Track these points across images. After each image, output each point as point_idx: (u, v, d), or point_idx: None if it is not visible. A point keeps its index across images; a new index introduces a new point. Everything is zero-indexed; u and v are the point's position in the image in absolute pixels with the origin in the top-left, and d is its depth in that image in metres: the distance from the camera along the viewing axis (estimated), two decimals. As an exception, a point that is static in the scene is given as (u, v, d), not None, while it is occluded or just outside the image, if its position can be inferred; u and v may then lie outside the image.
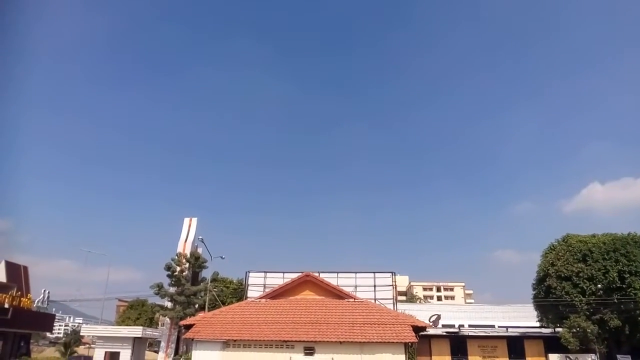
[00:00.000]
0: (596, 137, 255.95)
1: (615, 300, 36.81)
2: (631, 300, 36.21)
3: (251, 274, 41.43)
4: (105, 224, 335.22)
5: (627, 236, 39.76)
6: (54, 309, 68.25)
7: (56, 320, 59.22)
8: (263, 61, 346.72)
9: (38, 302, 49.66)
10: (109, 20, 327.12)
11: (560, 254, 40.18)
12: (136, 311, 68.52)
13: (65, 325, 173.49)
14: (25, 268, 41.20)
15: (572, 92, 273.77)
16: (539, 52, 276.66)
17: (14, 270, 39.33)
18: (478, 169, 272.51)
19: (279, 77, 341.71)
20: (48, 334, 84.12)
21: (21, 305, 35.96)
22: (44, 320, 42.53)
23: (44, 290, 53.56)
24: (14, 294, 35.31)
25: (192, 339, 22.18)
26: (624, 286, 36.98)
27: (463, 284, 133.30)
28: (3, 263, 38.73)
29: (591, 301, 37.46)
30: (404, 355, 20.60)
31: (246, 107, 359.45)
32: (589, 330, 36.78)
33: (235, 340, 21.57)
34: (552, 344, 41.27)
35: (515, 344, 44.00)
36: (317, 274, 29.00)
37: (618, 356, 37.58)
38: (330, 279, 32.37)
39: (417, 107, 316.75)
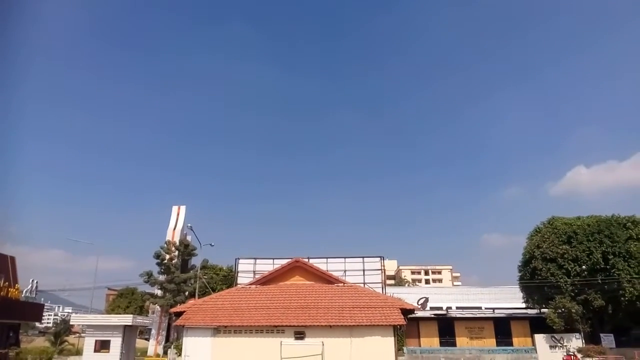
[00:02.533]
0: (583, 122, 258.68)
1: (599, 281, 37.59)
2: (614, 280, 37.00)
3: (241, 261, 41.59)
4: (93, 213, 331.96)
5: (611, 218, 40.46)
6: (42, 299, 68.03)
7: (45, 310, 59.01)
8: (252, 47, 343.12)
9: (26, 292, 49.44)
10: (96, 6, 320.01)
11: (545, 236, 40.78)
12: (126, 300, 68.45)
13: (55, 315, 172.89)
14: (12, 258, 40.77)
15: (559, 79, 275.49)
16: (527, 38, 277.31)
17: (1, 260, 38.95)
18: (466, 154, 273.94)
19: (268, 63, 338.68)
20: (37, 324, 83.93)
21: (9, 295, 35.69)
22: (33, 310, 42.29)
23: (32, 280, 53.38)
24: (1, 285, 35.02)
25: (183, 326, 22.24)
26: (607, 267, 37.74)
27: (450, 267, 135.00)
28: (-11, 254, 38.32)
29: (576, 282, 38.21)
30: (392, 338, 20.89)
31: (235, 93, 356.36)
32: (574, 311, 37.61)
33: (226, 326, 21.69)
34: (537, 324, 42.12)
35: (502, 325, 44.82)
36: (306, 260, 29.16)
37: (601, 335, 38.50)
38: (320, 264, 32.63)
39: (407, 94, 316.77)
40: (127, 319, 22.35)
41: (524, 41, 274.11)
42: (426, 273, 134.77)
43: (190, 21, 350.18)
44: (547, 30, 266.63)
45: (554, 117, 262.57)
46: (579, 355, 36.47)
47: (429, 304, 52.86)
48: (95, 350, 21.31)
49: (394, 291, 52.28)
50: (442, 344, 44.55)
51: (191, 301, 28.29)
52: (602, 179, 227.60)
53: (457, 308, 53.10)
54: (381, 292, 33.18)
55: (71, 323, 44.36)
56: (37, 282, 53.63)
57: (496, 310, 47.93)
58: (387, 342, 20.80)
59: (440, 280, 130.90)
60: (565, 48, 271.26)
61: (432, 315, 46.62)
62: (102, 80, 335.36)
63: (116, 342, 21.24)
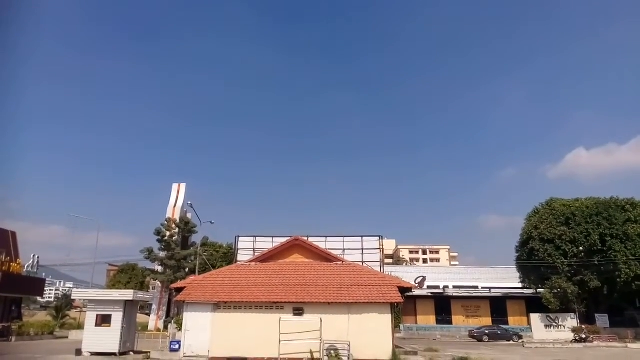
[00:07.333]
0: (583, 106, 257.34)
1: (596, 262, 37.85)
2: (611, 262, 37.25)
3: (241, 239, 41.62)
4: (95, 189, 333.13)
5: (609, 200, 40.52)
6: (44, 274, 68.47)
7: (47, 284, 59.56)
8: (250, 27, 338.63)
9: (28, 267, 49.83)
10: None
11: (543, 217, 40.90)
12: (127, 275, 69.01)
13: (56, 290, 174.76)
14: (14, 233, 41.07)
15: (560, 63, 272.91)
16: (528, 23, 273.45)
17: (2, 235, 39.20)
18: (465, 136, 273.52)
19: (268, 43, 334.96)
20: (39, 298, 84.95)
21: (11, 270, 36.05)
22: (35, 285, 42.77)
23: (34, 256, 53.74)
24: (3, 259, 35.33)
25: (183, 302, 22.43)
26: (604, 249, 37.95)
27: (448, 247, 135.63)
28: (-10, 229, 38.58)
29: (572, 263, 38.48)
30: (390, 315, 21.11)
31: (235, 74, 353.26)
32: (570, 291, 37.97)
33: (226, 302, 21.89)
34: (533, 304, 42.61)
35: (498, 304, 45.38)
36: (306, 238, 29.25)
37: (596, 315, 38.97)
38: (319, 242, 32.70)
39: (405, 75, 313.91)
40: (128, 294, 22.53)
41: (527, 26, 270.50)
42: (424, 253, 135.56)
43: (188, 1, 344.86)
44: (548, 16, 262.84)
45: (554, 100, 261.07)
46: (573, 335, 37.03)
47: (427, 283, 53.38)
48: (97, 325, 21.52)
49: (392, 270, 52.74)
50: (438, 322, 45.21)
51: (191, 277, 28.52)
52: (602, 162, 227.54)
53: (454, 287, 53.63)
54: (379, 271, 33.36)
55: (72, 298, 44.81)
56: (38, 257, 53.95)
57: (492, 290, 48.44)
58: (385, 319, 21.05)
59: (437, 260, 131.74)
60: (567, 34, 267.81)
61: (429, 294, 47.15)
62: (102, 61, 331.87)
63: (117, 317, 21.45)
